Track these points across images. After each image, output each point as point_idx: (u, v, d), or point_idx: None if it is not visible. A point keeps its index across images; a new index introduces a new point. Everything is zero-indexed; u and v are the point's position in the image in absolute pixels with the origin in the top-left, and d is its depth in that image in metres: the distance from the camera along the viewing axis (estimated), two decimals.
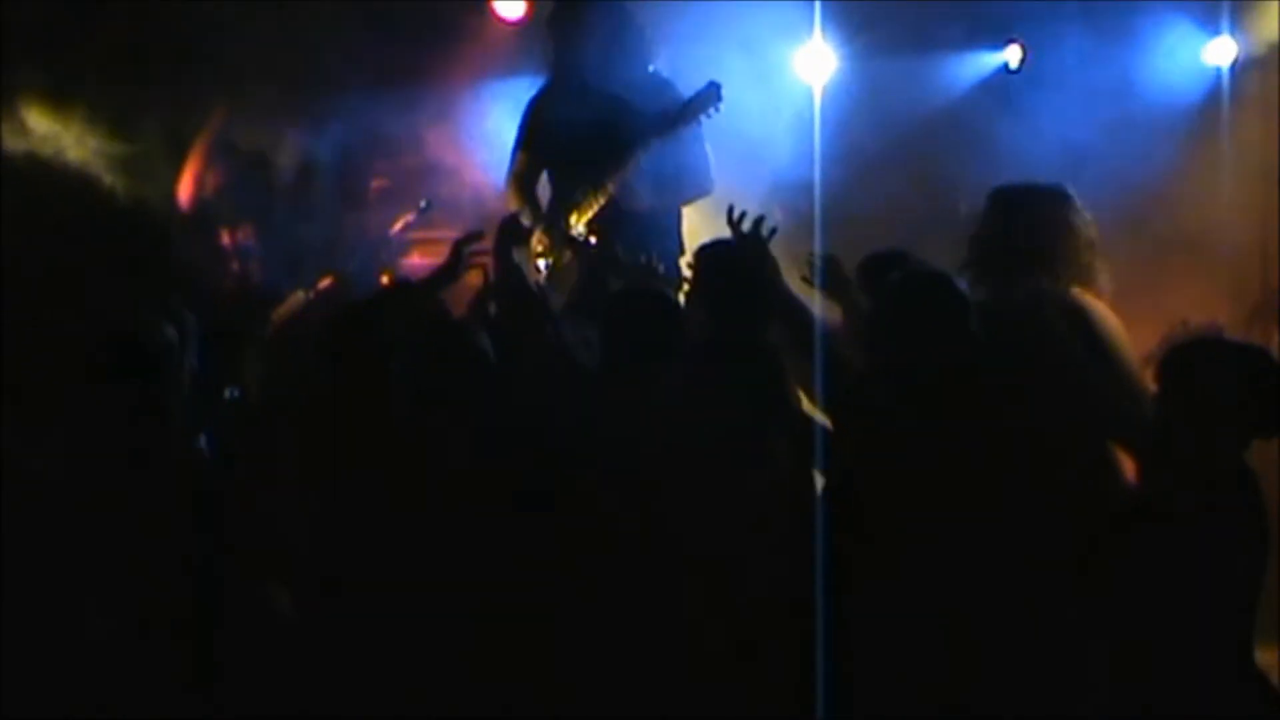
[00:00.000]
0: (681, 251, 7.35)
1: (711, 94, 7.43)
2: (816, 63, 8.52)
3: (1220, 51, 8.53)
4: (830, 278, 6.07)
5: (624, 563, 5.21)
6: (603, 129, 7.53)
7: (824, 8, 7.76)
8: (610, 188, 7.49)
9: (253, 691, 5.28)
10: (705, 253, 6.05)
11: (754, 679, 5.15)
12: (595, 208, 7.55)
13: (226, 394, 6.20)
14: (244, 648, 5.30)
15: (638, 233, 7.34)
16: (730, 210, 5.84)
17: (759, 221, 5.78)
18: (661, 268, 6.58)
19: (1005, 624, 4.90)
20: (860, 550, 5.03)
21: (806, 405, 5.58)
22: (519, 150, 7.94)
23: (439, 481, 5.29)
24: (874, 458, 5.11)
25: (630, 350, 5.61)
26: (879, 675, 4.95)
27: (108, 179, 9.13)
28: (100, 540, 5.23)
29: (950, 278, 5.27)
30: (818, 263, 6.07)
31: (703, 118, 7.42)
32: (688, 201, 7.63)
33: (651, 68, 7.75)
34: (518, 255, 6.96)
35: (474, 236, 6.59)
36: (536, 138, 7.86)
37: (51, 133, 9.19)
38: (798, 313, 5.62)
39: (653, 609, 5.18)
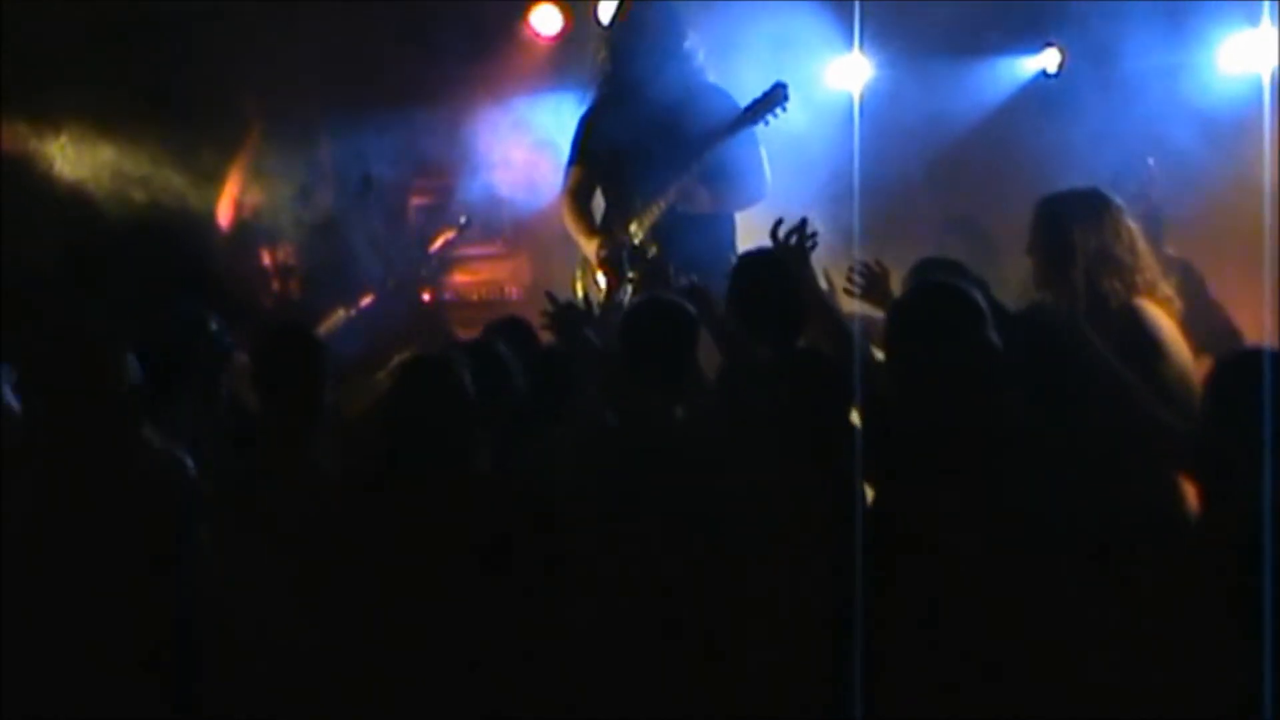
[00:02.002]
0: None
1: (778, 94, 7.42)
2: (854, 70, 8.49)
3: (1264, 51, 8.44)
4: (873, 285, 6.04)
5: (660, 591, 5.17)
6: (658, 138, 7.53)
7: (861, 15, 7.71)
8: (671, 194, 7.46)
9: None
10: (741, 263, 6.04)
11: (791, 704, 5.08)
12: (655, 215, 7.53)
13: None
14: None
15: (693, 240, 7.35)
16: (775, 224, 5.83)
17: (800, 229, 5.76)
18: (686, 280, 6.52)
19: (1045, 650, 4.78)
20: (894, 567, 4.96)
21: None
22: (573, 165, 7.94)
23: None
24: (896, 473, 5.03)
25: (644, 362, 5.58)
26: (915, 700, 4.89)
27: (148, 201, 9.19)
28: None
29: (960, 287, 5.14)
30: (859, 270, 6.05)
31: (769, 117, 7.41)
32: (742, 208, 7.61)
33: (703, 74, 7.75)
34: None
35: None
36: (591, 152, 7.87)
37: (91, 157, 9.25)
38: (836, 323, 5.60)
39: (687, 633, 5.12)
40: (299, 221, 9.24)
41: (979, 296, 5.06)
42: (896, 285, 6.13)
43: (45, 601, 5.18)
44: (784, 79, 7.69)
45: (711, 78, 7.78)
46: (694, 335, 5.65)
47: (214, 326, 6.13)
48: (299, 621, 5.20)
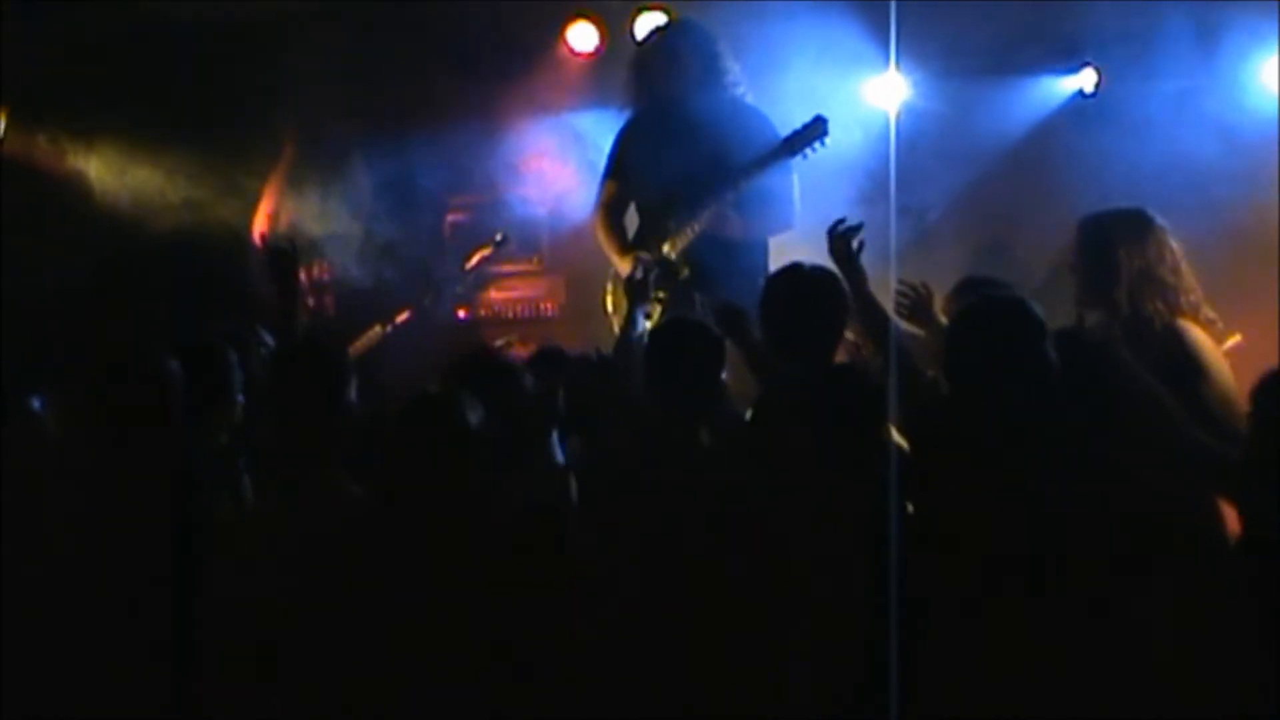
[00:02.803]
0: None
1: (818, 127, 7.43)
2: (890, 89, 8.49)
3: None
4: (918, 307, 6.05)
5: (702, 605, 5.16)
6: (694, 158, 7.54)
7: (898, 34, 7.72)
8: (705, 217, 7.48)
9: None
10: (772, 282, 6.02)
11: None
12: (688, 238, 7.54)
13: None
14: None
15: (726, 264, 7.36)
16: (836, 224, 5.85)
17: (854, 229, 5.78)
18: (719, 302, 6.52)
19: (1085, 666, 4.77)
20: (937, 580, 4.95)
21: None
22: (607, 180, 7.95)
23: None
24: (949, 487, 5.01)
25: (668, 383, 5.58)
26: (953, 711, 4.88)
27: (184, 219, 9.22)
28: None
29: (1026, 302, 5.18)
30: (904, 291, 6.04)
31: (807, 151, 7.43)
32: (772, 234, 7.62)
33: (739, 93, 7.75)
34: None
35: None
36: (625, 167, 7.88)
37: (128, 176, 9.29)
38: (881, 324, 5.60)
39: (728, 643, 5.11)
40: (335, 238, 9.26)
41: (1040, 310, 5.08)
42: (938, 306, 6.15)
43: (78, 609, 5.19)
44: (821, 97, 7.70)
45: (750, 98, 7.78)
46: (719, 357, 5.64)
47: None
48: (315, 641, 5.18)
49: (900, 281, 6.09)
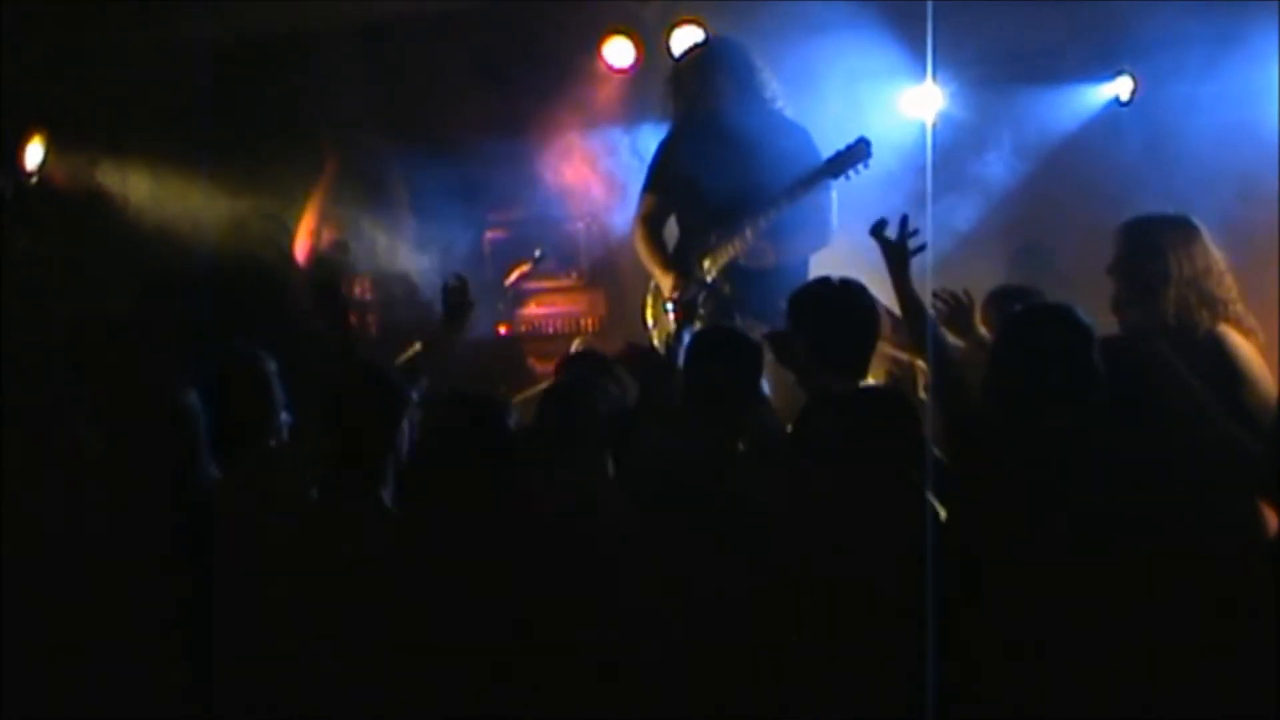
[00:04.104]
0: None
1: (861, 149, 7.40)
2: (927, 99, 8.49)
3: None
4: (957, 314, 6.04)
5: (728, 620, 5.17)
6: (735, 173, 7.55)
7: (934, 44, 7.72)
8: (748, 235, 7.49)
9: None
10: (799, 297, 6.01)
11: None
12: (729, 255, 7.56)
13: None
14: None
15: (766, 283, 7.36)
16: (878, 223, 5.81)
17: (903, 228, 5.73)
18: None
19: (1127, 670, 4.78)
20: (978, 593, 4.95)
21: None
22: (647, 192, 7.98)
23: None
24: (992, 494, 5.03)
25: (704, 392, 5.61)
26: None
27: (225, 236, 9.26)
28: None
29: (1073, 309, 5.19)
30: (944, 296, 6.04)
31: (850, 173, 7.40)
32: (806, 255, 7.60)
33: (779, 108, 7.77)
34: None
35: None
36: (666, 180, 7.90)
37: (167, 195, 9.34)
38: (923, 328, 5.58)
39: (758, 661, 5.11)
40: (374, 256, 9.30)
41: (1088, 319, 5.08)
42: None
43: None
44: (858, 107, 7.69)
45: (789, 112, 7.79)
46: (756, 365, 5.68)
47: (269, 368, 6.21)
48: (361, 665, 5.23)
49: (940, 290, 6.07)
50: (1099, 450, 4.93)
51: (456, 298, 6.51)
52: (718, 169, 7.60)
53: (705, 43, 8.12)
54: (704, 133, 7.74)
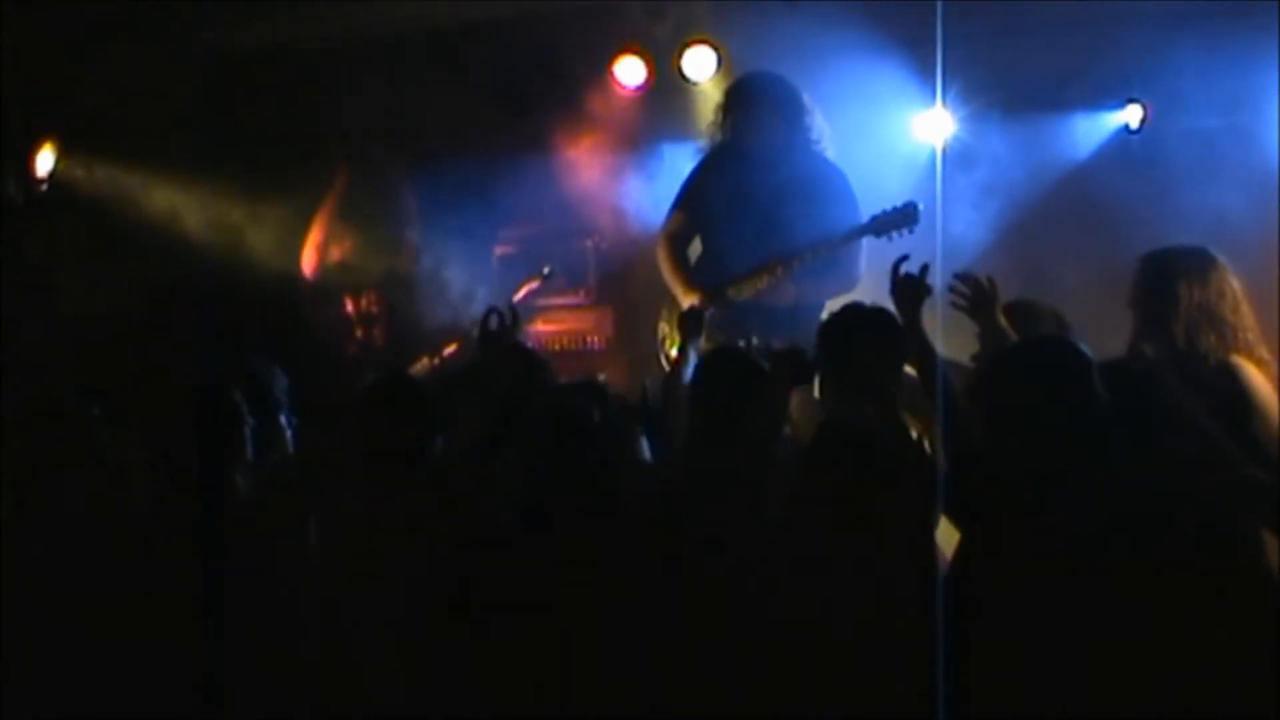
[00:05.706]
0: None
1: (910, 213, 7.31)
2: (937, 124, 8.51)
3: None
4: (980, 301, 5.93)
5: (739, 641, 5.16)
6: (770, 206, 7.54)
7: (945, 69, 7.73)
8: (779, 273, 7.44)
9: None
10: (829, 323, 6.03)
11: None
12: (756, 289, 7.52)
13: None
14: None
15: (778, 318, 7.36)
16: (898, 261, 5.82)
17: (923, 270, 5.74)
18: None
19: (1132, 697, 4.76)
20: (985, 619, 4.96)
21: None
22: (676, 209, 7.95)
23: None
24: (993, 525, 5.01)
25: (707, 411, 5.63)
26: None
27: (236, 246, 9.29)
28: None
29: (1070, 341, 5.17)
30: (967, 281, 5.98)
31: (894, 235, 7.30)
32: (831, 298, 7.44)
33: (823, 152, 7.76)
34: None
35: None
36: (698, 201, 7.87)
37: (178, 203, 9.37)
38: (932, 366, 5.54)
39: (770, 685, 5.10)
40: (384, 270, 9.31)
41: (1087, 350, 5.06)
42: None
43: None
44: (869, 132, 7.69)
45: (830, 153, 7.76)
46: (758, 388, 5.67)
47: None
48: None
49: (961, 275, 5.99)
50: (1102, 478, 4.91)
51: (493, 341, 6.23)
52: (754, 201, 7.59)
53: (761, 75, 8.03)
54: (745, 163, 7.72)
